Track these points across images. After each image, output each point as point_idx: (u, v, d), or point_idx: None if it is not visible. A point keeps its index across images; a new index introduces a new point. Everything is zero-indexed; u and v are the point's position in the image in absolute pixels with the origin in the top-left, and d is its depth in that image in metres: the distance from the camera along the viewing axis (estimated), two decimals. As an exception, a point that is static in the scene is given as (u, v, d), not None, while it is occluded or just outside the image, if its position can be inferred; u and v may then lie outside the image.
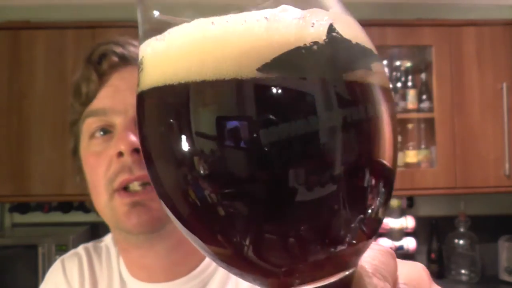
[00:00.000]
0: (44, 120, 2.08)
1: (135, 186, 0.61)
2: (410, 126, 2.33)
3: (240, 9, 0.20)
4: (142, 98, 0.22)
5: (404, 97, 2.31)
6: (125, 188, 0.61)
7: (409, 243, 2.36)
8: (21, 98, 2.10)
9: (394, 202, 2.39)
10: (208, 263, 0.69)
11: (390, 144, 0.22)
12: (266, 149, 0.19)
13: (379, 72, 0.22)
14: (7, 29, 2.13)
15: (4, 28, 2.14)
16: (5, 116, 2.09)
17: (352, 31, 0.22)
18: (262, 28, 0.20)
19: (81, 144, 0.67)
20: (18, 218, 2.36)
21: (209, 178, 0.20)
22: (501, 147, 2.19)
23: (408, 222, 2.38)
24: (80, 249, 0.77)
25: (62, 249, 1.93)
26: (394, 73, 2.37)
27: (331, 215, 0.20)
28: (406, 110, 2.30)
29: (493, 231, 2.39)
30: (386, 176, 0.23)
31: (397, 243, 2.36)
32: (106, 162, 0.62)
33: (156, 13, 0.22)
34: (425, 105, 2.27)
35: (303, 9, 0.21)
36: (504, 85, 2.18)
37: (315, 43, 0.20)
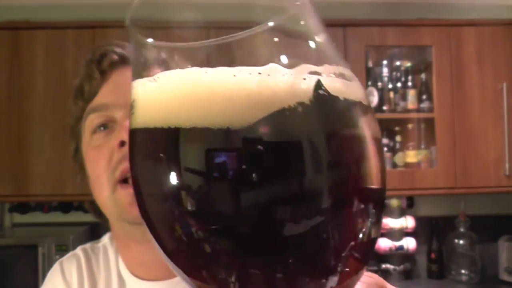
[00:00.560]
0: (44, 120, 2.08)
1: None
2: (410, 126, 2.33)
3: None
4: (135, 136, 0.23)
5: (404, 97, 2.31)
6: (125, 181, 0.61)
7: (409, 243, 2.36)
8: (21, 98, 2.10)
9: (394, 202, 2.39)
10: None
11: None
12: (245, 202, 0.19)
13: (366, 126, 0.22)
14: (7, 29, 2.13)
15: (4, 28, 2.14)
16: (5, 116, 2.09)
17: (341, 84, 0.22)
18: (253, 83, 0.20)
19: (83, 141, 0.68)
20: (18, 218, 2.36)
21: (194, 213, 0.20)
22: (501, 147, 2.19)
23: (408, 222, 2.38)
24: (78, 250, 0.77)
25: (62, 249, 1.94)
26: (394, 73, 2.37)
27: (321, 248, 0.21)
28: (406, 110, 2.30)
29: (493, 231, 2.39)
30: (377, 199, 0.23)
31: (397, 243, 2.36)
32: (107, 154, 0.63)
33: (150, 40, 0.23)
34: (425, 105, 2.28)
35: (295, 54, 0.21)
36: (504, 85, 2.19)
37: (301, 104, 0.20)
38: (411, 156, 2.29)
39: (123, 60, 0.67)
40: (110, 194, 0.62)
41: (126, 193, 0.61)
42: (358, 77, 0.24)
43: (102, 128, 0.65)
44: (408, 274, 2.36)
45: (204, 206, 0.20)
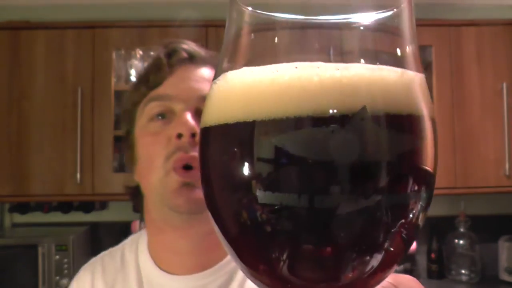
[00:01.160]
0: (44, 120, 2.08)
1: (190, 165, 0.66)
2: (410, 126, 2.33)
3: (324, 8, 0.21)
4: (208, 131, 0.24)
5: (404, 97, 2.31)
6: (184, 167, 0.65)
7: (409, 243, 2.36)
8: (21, 98, 2.10)
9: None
10: None
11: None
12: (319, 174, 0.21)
13: (426, 107, 0.24)
14: (7, 29, 2.13)
15: (4, 28, 2.13)
16: (5, 116, 2.09)
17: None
18: (337, 80, 0.22)
19: (137, 125, 0.73)
20: (18, 218, 2.36)
21: (265, 200, 0.21)
22: (501, 147, 2.18)
23: (408, 222, 2.37)
24: (97, 258, 0.81)
25: (62, 249, 1.93)
26: (394, 73, 2.37)
27: (375, 222, 0.22)
28: (406, 110, 2.29)
29: (493, 231, 2.39)
30: (428, 183, 0.24)
31: (397, 243, 2.36)
32: (164, 141, 0.67)
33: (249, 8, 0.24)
34: (425, 105, 2.27)
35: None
36: (504, 85, 2.18)
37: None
38: (411, 156, 2.29)
39: (190, 58, 0.73)
40: (163, 177, 0.66)
41: (176, 180, 0.65)
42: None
43: (160, 117, 0.69)
44: (408, 274, 2.36)
45: (296, 191, 0.21)
